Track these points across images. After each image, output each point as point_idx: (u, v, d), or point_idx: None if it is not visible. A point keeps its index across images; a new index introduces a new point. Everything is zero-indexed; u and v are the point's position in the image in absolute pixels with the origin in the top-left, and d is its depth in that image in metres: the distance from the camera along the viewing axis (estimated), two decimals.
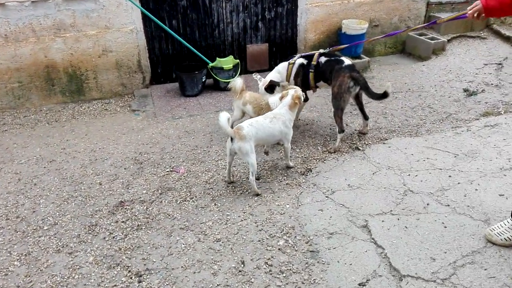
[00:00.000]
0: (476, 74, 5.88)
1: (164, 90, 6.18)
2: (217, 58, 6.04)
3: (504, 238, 2.87)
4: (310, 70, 4.44)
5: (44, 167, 4.33)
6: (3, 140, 4.93)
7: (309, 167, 4.04)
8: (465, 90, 5.42)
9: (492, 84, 5.52)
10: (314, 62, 4.42)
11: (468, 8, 3.05)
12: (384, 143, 4.33)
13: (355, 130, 4.71)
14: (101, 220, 3.49)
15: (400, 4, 6.91)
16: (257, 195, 3.67)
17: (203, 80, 5.99)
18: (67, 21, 5.51)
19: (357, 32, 6.36)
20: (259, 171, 4.05)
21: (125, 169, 4.24)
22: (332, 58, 4.37)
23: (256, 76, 4.72)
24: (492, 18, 7.14)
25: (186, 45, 5.84)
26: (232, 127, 4.53)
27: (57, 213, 3.61)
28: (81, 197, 3.82)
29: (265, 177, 3.94)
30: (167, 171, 4.15)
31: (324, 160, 4.14)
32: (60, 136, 4.96)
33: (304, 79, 4.53)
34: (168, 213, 3.53)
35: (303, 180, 3.83)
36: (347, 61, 4.27)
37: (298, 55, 4.67)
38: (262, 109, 4.28)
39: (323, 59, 4.40)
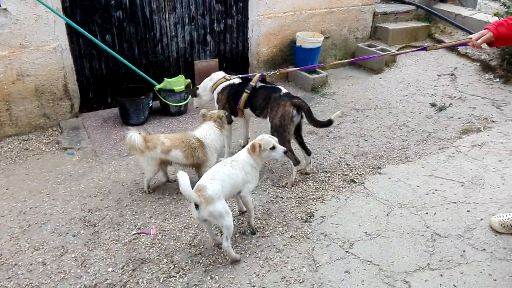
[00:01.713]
0: (435, 86, 5.83)
1: (100, 119, 5.12)
2: (165, 78, 5.16)
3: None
4: (246, 90, 3.90)
5: None
6: None
7: (308, 211, 3.44)
8: (433, 105, 5.29)
9: (455, 97, 5.48)
10: (253, 83, 3.92)
11: (474, 36, 2.81)
12: (380, 173, 3.91)
13: (341, 158, 4.23)
14: None
15: (349, 15, 6.68)
16: (237, 261, 2.93)
17: (149, 106, 5.06)
18: None
19: (314, 45, 5.95)
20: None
21: (73, 236, 3.22)
22: (268, 86, 3.95)
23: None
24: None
25: (126, 64, 4.86)
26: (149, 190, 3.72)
27: None
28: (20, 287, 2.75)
29: (262, 230, 3.25)
30: (134, 234, 3.23)
31: (323, 199, 3.58)
32: None
33: (232, 99, 4.01)
34: None
35: (309, 230, 3.22)
36: (284, 89, 3.87)
37: (239, 75, 4.16)
38: (195, 149, 3.55)
39: (258, 84, 3.94)
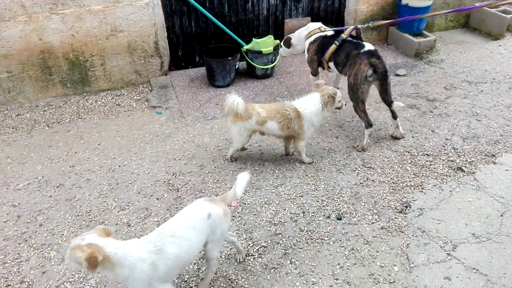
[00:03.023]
0: None
1: (187, 78, 5.06)
2: (253, 38, 4.88)
3: None
4: (336, 41, 3.79)
5: (50, 196, 3.31)
6: None
7: (404, 200, 3.06)
8: None
9: None
10: (344, 35, 3.78)
11: None
12: (495, 163, 3.34)
13: (447, 139, 3.69)
14: None
15: None
16: None
17: (236, 67, 4.86)
18: None
19: (423, 3, 5.21)
20: (338, 204, 3.06)
21: (157, 199, 3.23)
22: (353, 41, 3.76)
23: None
24: None
25: (217, 24, 4.67)
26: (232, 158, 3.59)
27: (77, 276, 2.63)
28: None
29: (348, 215, 2.96)
30: None
31: (422, 188, 3.15)
32: (65, 147, 3.90)
33: (321, 51, 3.95)
34: (230, 277, 2.57)
35: (404, 223, 2.86)
36: (368, 46, 3.63)
37: (334, 28, 4.03)
38: (291, 120, 3.30)
39: (347, 38, 3.78)
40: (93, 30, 4.54)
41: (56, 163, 3.69)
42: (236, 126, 3.35)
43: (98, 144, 3.93)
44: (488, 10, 5.69)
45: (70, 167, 3.63)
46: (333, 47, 3.78)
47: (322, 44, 3.93)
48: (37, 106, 4.58)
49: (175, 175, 3.48)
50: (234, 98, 3.26)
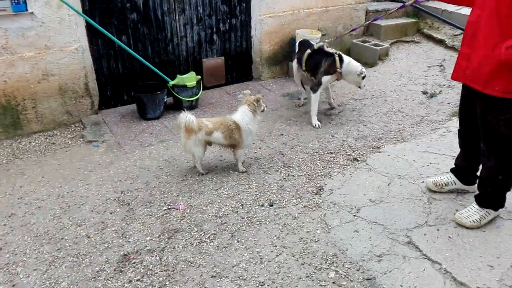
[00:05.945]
0: (426, 76, 6.30)
1: (118, 115, 5.51)
2: (178, 75, 5.57)
3: (472, 220, 3.19)
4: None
5: (4, 225, 3.49)
6: None
7: (318, 185, 3.87)
8: (424, 93, 5.76)
9: (444, 85, 5.95)
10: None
11: None
12: (379, 152, 4.35)
13: (343, 141, 4.67)
14: (109, 282, 2.89)
15: (344, 13, 7.15)
16: None
17: (165, 101, 5.47)
18: None
19: (312, 41, 6.38)
20: (269, 195, 3.76)
21: (111, 213, 3.61)
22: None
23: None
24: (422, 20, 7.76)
25: (144, 63, 5.27)
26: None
27: (48, 283, 2.90)
28: (70, 256, 3.13)
29: (278, 202, 3.67)
30: (165, 210, 3.64)
31: (330, 175, 4.01)
32: (9, 183, 4.07)
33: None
34: (189, 260, 3.07)
35: (320, 200, 3.65)
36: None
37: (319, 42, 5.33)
38: (233, 130, 3.95)
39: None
40: (25, 75, 4.83)
41: (2, 197, 3.86)
42: (191, 140, 3.87)
43: (42, 177, 4.17)
44: (363, 44, 7.13)
45: (18, 199, 3.83)
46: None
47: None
48: None
49: (123, 193, 3.89)
50: (186, 116, 3.81)
